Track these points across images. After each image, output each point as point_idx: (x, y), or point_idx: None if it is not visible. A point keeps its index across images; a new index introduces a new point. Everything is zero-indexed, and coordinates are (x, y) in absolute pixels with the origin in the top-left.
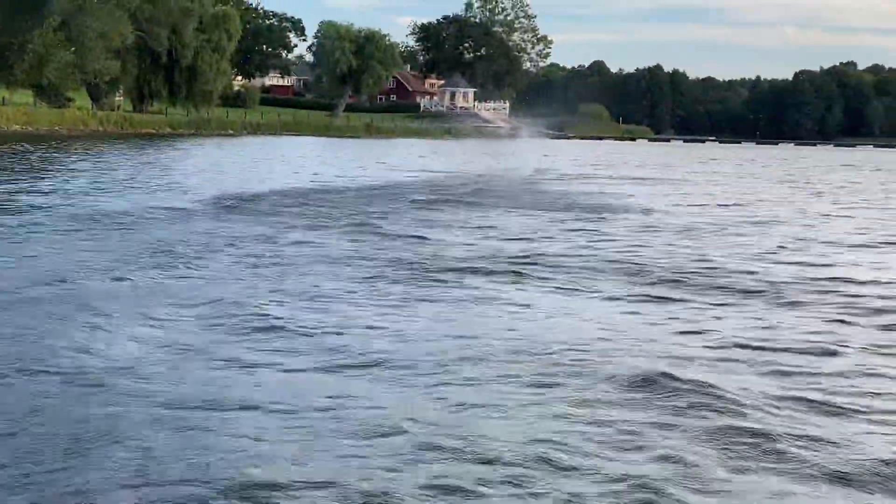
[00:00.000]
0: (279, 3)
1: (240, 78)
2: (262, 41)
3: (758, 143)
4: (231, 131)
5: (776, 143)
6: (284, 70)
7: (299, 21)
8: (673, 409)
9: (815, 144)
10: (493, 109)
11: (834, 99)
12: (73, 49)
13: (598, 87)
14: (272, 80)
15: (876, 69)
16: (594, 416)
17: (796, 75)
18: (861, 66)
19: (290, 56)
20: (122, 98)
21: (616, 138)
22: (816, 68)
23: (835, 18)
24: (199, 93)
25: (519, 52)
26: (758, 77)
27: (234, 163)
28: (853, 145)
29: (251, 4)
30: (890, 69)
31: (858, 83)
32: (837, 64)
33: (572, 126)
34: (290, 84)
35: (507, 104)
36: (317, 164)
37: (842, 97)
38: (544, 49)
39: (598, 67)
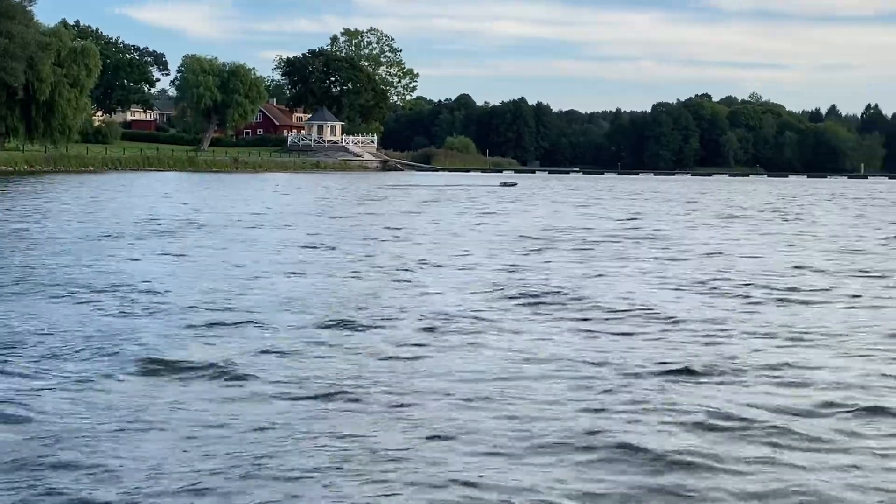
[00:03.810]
0: (140, 37)
1: (100, 113)
2: (124, 75)
3: (619, 174)
4: (91, 168)
5: (637, 174)
6: (146, 104)
7: (162, 55)
8: None
9: (673, 174)
10: (362, 143)
11: (690, 130)
12: None
13: (465, 119)
14: (134, 114)
15: (729, 101)
16: None
17: (654, 107)
18: (715, 98)
19: (152, 90)
20: None
21: (482, 170)
22: (673, 100)
23: (689, 53)
24: (57, 128)
25: (385, 86)
26: (618, 109)
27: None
28: (709, 174)
29: (111, 38)
30: (742, 101)
31: (713, 115)
32: (693, 96)
33: (439, 158)
34: (152, 119)
35: (376, 137)
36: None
37: (698, 128)
38: (410, 82)
39: (464, 101)
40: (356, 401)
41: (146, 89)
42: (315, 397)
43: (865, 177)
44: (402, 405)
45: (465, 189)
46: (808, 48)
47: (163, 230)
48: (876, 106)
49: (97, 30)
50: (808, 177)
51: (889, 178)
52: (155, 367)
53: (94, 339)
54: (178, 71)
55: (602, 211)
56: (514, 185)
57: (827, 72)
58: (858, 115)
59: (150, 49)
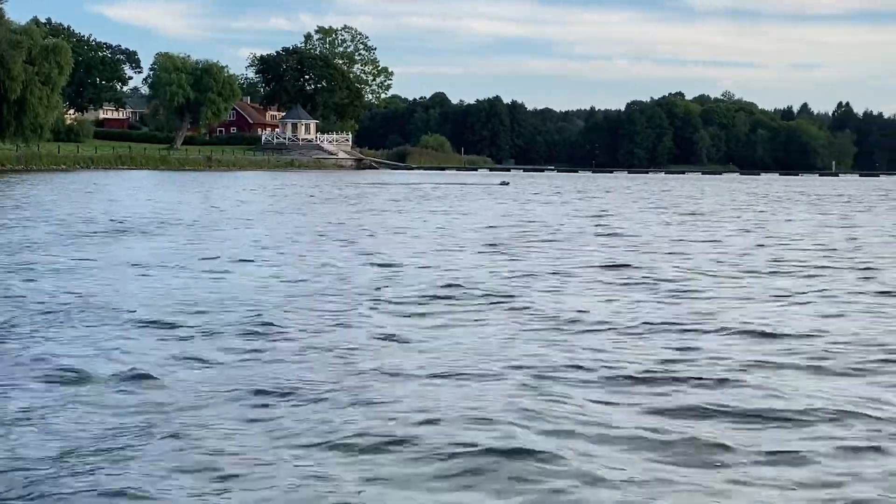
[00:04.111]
0: (113, 34)
1: (72, 111)
2: (96, 73)
3: (594, 172)
4: (64, 166)
5: (611, 172)
6: (119, 103)
7: (134, 53)
8: None
9: (647, 172)
10: (336, 141)
11: (664, 128)
12: None
13: (440, 118)
14: (106, 113)
15: (702, 99)
16: None
17: (628, 106)
18: (689, 97)
19: (124, 88)
20: None
21: (457, 168)
22: (647, 99)
23: (663, 52)
24: (28, 127)
25: (360, 84)
26: (592, 108)
27: None
28: (682, 172)
29: (84, 36)
30: (715, 99)
31: (686, 113)
32: (667, 95)
33: (414, 157)
34: (125, 117)
35: (350, 135)
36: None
37: (671, 126)
38: (385, 81)
39: (439, 99)
40: (301, 404)
41: (119, 87)
42: (256, 394)
43: (836, 174)
44: (345, 407)
45: (453, 188)
46: (781, 47)
47: (121, 229)
48: (847, 104)
49: (69, 27)
50: (781, 174)
51: (860, 176)
52: (110, 374)
53: (20, 344)
54: (151, 69)
55: (572, 209)
56: (507, 183)
57: (799, 70)
58: (830, 114)
59: (123, 47)
